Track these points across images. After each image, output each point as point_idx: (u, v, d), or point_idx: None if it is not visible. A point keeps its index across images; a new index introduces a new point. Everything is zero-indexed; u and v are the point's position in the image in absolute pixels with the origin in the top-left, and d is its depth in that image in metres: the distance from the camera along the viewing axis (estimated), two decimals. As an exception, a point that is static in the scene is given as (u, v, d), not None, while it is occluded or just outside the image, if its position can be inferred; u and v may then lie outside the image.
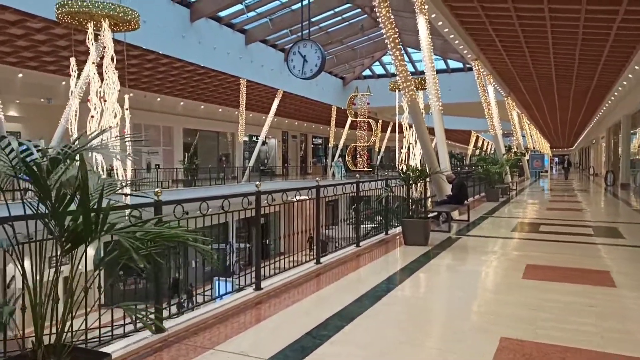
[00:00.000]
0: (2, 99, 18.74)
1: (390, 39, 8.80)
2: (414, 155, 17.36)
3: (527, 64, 19.83)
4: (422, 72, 20.19)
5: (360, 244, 6.34)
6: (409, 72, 9.41)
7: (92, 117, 9.53)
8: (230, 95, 25.73)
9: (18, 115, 19.62)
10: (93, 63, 9.61)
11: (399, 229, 7.91)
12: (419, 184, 6.85)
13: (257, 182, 4.60)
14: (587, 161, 57.34)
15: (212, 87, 24.13)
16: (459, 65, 29.66)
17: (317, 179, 5.53)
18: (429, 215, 8.10)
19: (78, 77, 11.20)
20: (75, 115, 10.26)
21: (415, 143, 17.43)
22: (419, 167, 7.30)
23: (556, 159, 76.05)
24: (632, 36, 13.41)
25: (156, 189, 3.66)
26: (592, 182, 26.80)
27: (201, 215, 3.93)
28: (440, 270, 5.57)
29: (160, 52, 17.56)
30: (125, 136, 9.70)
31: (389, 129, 41.38)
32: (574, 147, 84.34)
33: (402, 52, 8.91)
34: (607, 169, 29.21)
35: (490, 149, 72.63)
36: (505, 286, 4.85)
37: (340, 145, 34.81)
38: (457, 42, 15.36)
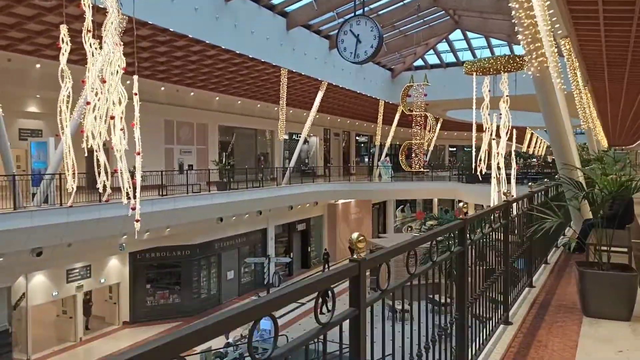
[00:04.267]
0: (19, 94, 17.03)
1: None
2: (495, 155, 14.30)
3: (626, 45, 16.32)
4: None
5: (509, 314, 3.47)
6: (538, 28, 6.48)
7: (88, 103, 7.16)
8: (270, 88, 23.30)
9: (38, 112, 17.79)
10: (89, 31, 7.24)
11: (541, 275, 5.03)
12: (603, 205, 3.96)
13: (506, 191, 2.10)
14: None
15: (249, 79, 21.74)
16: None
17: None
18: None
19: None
20: (68, 102, 7.91)
21: (497, 142, 14.34)
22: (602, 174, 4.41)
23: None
24: None
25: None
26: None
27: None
28: None
29: (191, 36, 15.23)
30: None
31: (438, 126, 38.11)
32: (634, 145, 77.99)
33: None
34: None
35: (541, 149, 67.65)
36: None
37: (388, 144, 31.84)
38: (551, 11, 12.16)
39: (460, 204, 2.87)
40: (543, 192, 5.08)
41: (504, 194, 3.79)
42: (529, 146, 59.32)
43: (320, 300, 1.42)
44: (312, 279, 1.33)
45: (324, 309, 1.42)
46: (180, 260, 20.51)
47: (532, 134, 58.06)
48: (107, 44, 7.03)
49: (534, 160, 48.79)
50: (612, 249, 4.97)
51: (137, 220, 8.15)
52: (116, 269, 19.03)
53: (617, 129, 52.47)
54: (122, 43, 7.33)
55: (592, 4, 12.48)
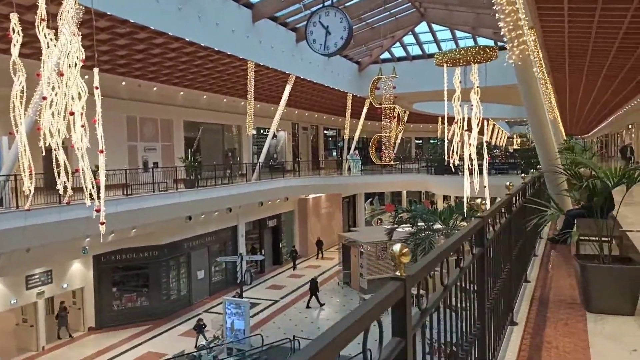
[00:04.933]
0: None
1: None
2: (468, 146, 14.36)
3: (587, 35, 16.68)
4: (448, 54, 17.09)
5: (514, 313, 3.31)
6: (519, 16, 6.39)
7: (45, 98, 6.59)
8: (236, 82, 22.73)
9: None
10: (43, 20, 6.64)
11: (533, 268, 4.93)
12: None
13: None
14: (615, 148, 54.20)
15: (215, 73, 21.12)
16: (490, 43, 26.45)
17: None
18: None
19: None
20: (21, 97, 7.27)
21: (470, 132, 14.43)
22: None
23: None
24: None
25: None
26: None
27: None
28: None
29: (153, 28, 14.56)
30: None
31: (405, 118, 38.36)
32: (590, 134, 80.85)
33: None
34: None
35: (502, 140, 69.45)
36: None
37: (356, 137, 31.79)
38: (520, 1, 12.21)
39: (478, 201, 2.66)
40: (530, 184, 4.97)
41: (506, 186, 3.63)
42: (491, 137, 60.75)
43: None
44: (355, 313, 1.06)
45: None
46: (148, 262, 19.80)
47: (494, 125, 59.46)
48: (63, 34, 6.48)
49: (497, 151, 49.99)
50: (595, 239, 4.91)
51: (102, 223, 7.65)
52: (80, 273, 18.18)
53: (575, 118, 54.39)
54: (79, 33, 6.78)
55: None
